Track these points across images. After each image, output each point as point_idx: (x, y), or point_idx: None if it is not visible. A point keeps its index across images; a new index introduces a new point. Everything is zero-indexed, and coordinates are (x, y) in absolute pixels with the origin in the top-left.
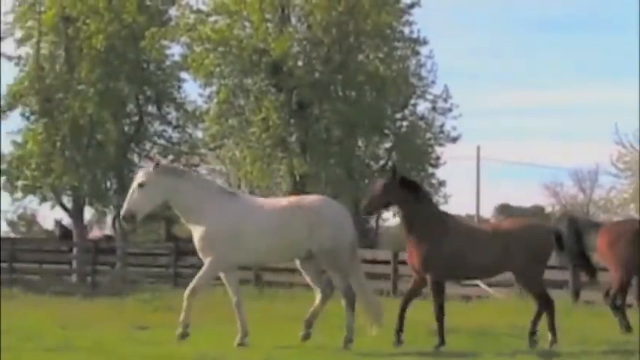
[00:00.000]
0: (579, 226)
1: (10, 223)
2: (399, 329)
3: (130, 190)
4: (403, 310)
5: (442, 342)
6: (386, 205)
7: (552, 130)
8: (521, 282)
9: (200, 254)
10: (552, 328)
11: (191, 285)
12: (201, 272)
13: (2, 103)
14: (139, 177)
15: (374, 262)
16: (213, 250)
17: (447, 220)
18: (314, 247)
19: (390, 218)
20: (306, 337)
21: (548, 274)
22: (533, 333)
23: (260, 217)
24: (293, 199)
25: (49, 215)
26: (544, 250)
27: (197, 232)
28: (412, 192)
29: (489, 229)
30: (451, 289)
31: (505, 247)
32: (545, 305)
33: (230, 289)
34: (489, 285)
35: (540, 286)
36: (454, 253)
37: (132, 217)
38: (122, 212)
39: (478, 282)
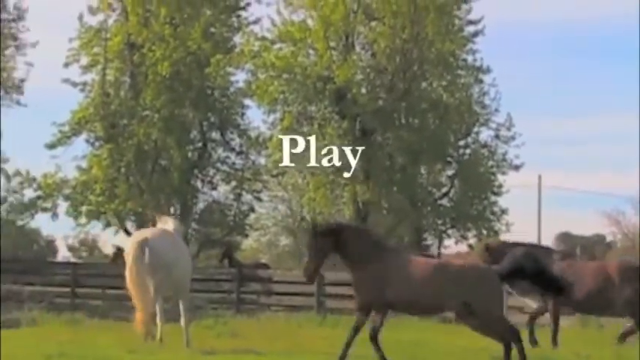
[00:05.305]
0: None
1: (71, 249)
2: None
3: None
4: (374, 339)
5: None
6: (326, 257)
7: (615, 159)
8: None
9: None
10: None
11: None
12: None
13: (67, 128)
14: None
15: None
16: None
17: (383, 254)
18: None
19: (452, 245)
20: None
21: None
22: None
23: None
24: None
25: (111, 240)
26: (490, 291)
27: None
28: (336, 236)
29: (432, 266)
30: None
31: (446, 285)
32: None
33: None
34: None
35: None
36: (383, 286)
37: None
38: None
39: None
